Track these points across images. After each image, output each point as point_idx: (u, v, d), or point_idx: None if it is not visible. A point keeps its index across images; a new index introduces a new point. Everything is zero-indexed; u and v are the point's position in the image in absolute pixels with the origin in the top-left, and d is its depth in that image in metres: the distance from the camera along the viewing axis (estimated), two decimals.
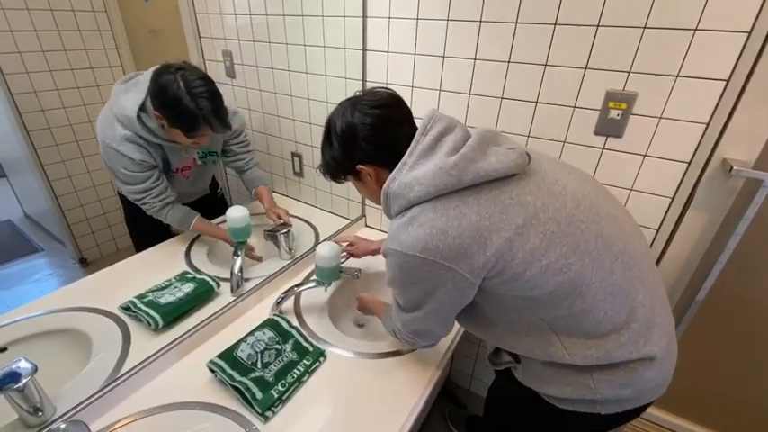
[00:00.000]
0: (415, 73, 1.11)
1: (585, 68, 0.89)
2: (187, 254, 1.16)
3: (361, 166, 0.69)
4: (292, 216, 1.41)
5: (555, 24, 0.88)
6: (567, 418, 0.72)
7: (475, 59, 1.01)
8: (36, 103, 0.91)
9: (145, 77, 0.94)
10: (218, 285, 1.00)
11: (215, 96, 0.91)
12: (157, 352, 0.82)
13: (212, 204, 1.30)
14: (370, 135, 0.67)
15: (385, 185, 0.65)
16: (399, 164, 0.64)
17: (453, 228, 0.58)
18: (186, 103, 0.87)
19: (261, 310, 1.02)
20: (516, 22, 0.92)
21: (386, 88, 0.72)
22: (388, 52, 1.14)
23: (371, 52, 1.17)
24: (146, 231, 1.14)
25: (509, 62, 0.96)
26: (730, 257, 0.92)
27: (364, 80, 1.22)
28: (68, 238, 1.07)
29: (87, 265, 1.10)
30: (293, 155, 1.45)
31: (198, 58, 1.39)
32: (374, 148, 0.68)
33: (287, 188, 1.53)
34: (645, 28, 0.80)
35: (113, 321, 0.89)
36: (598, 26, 0.84)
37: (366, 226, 1.48)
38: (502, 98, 1.01)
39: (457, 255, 0.58)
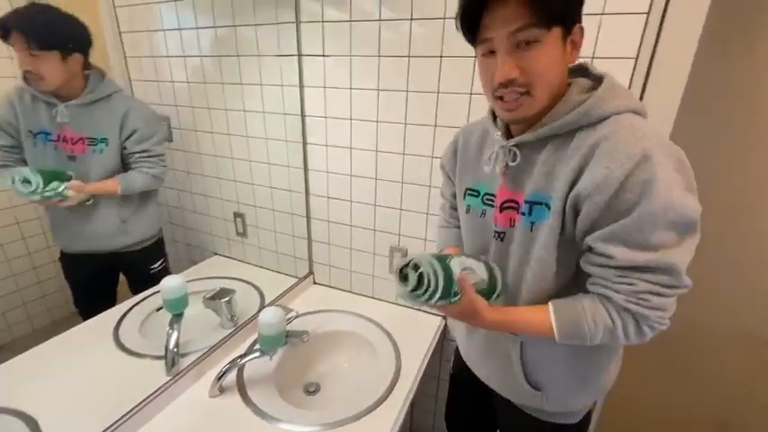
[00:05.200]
0: (353, 135, 1.18)
1: None
2: (116, 330, 1.06)
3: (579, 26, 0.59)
4: (235, 279, 1.36)
5: (471, 94, 0.99)
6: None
7: (406, 123, 1.09)
8: None
9: None
10: None
11: None
12: None
13: (143, 276, 1.16)
14: None
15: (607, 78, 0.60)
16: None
17: None
18: None
19: (199, 388, 0.95)
20: (438, 92, 1.02)
21: None
22: (326, 117, 1.20)
23: (310, 117, 1.22)
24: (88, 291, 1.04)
25: (435, 126, 1.06)
26: None
27: (305, 142, 1.26)
28: None
29: None
30: (235, 215, 1.43)
31: None
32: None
33: (230, 249, 1.49)
34: None
35: (21, 421, 0.78)
36: None
37: (315, 283, 1.46)
38: (432, 156, 1.10)
39: None
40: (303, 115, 1.23)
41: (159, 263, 1.20)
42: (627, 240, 0.56)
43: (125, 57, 1.28)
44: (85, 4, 1.10)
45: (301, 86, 1.19)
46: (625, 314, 0.59)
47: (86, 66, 0.95)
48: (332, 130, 1.21)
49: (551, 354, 0.73)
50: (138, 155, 1.07)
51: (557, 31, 0.56)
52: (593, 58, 0.88)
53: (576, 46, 0.60)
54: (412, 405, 0.97)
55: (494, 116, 0.73)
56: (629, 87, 0.87)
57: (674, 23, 0.80)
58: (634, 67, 0.85)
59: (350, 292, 1.41)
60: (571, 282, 0.67)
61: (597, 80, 0.62)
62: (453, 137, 0.85)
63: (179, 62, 1.28)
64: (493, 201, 0.72)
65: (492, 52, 0.58)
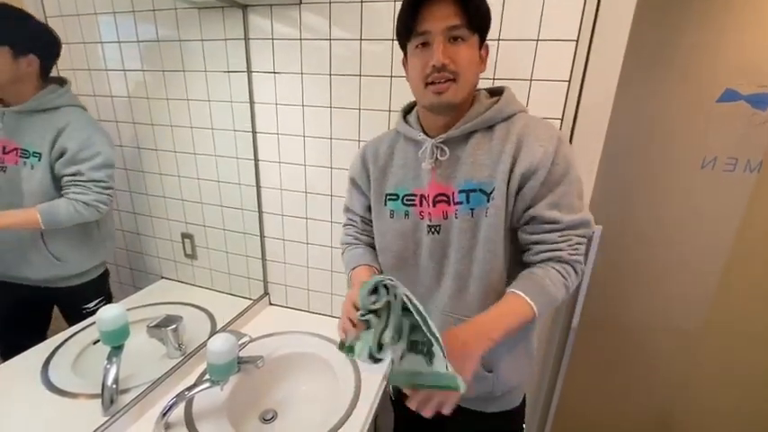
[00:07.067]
0: (306, 152, 1.17)
1: None
2: (44, 368, 0.96)
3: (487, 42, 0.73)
4: (185, 304, 1.28)
5: None
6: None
7: (359, 141, 1.10)
8: None
9: None
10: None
11: None
12: None
13: (75, 314, 1.03)
14: None
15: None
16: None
17: None
18: None
19: (142, 427, 0.87)
20: (389, 111, 1.04)
21: None
22: (278, 134, 1.18)
23: (262, 134, 1.20)
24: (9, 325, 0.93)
25: None
26: (591, 282, 1.08)
27: (256, 159, 1.23)
28: None
29: None
30: (183, 236, 1.36)
31: None
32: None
33: (177, 272, 1.40)
34: None
35: None
36: None
37: (270, 304, 1.41)
38: None
39: None
40: (254, 132, 1.20)
41: (96, 302, 1.06)
42: (563, 205, 0.68)
43: (57, 70, 1.19)
44: None
45: (252, 103, 1.17)
46: (567, 266, 0.70)
47: (45, 73, 0.89)
48: (285, 147, 1.19)
49: None
50: (67, 178, 0.92)
51: (476, 39, 0.69)
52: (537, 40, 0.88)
53: (484, 60, 0.73)
54: (375, 423, 0.95)
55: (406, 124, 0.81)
56: (572, 67, 0.89)
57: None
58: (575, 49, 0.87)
59: (308, 311, 1.37)
60: (519, 258, 0.75)
61: (493, 92, 0.77)
62: (359, 152, 0.89)
63: (119, 76, 1.21)
64: (413, 200, 0.79)
65: (425, 44, 0.68)
